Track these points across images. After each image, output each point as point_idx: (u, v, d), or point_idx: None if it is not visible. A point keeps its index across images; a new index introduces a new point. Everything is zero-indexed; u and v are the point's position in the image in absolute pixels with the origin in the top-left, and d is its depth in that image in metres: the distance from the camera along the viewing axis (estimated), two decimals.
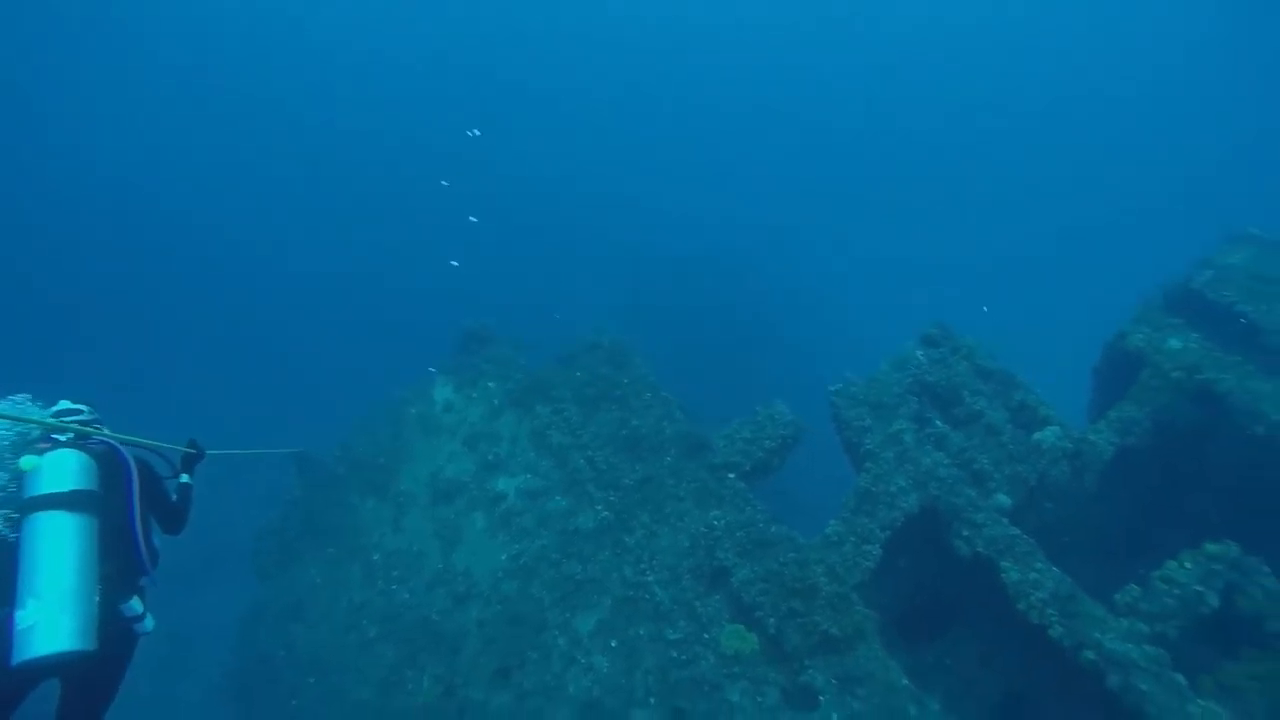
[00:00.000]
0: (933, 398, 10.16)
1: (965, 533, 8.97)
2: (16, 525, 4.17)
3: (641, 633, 9.40)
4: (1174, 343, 9.68)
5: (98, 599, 4.13)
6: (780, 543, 9.39)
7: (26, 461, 4.25)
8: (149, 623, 4.55)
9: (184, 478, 5.78)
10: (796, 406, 11.30)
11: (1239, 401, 9.10)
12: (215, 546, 21.48)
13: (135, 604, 4.42)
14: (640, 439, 10.76)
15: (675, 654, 9.12)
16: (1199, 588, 8.19)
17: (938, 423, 9.83)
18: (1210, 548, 8.45)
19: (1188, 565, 8.38)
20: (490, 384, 12.50)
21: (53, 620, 3.88)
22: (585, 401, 11.45)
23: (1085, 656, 8.09)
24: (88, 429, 4.58)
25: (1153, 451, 10.68)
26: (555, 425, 11.32)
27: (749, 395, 11.67)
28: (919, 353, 10.47)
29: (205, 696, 16.22)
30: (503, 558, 10.85)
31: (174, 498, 5.57)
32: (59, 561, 4.03)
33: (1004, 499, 9.07)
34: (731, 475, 10.16)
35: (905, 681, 8.45)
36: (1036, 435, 9.35)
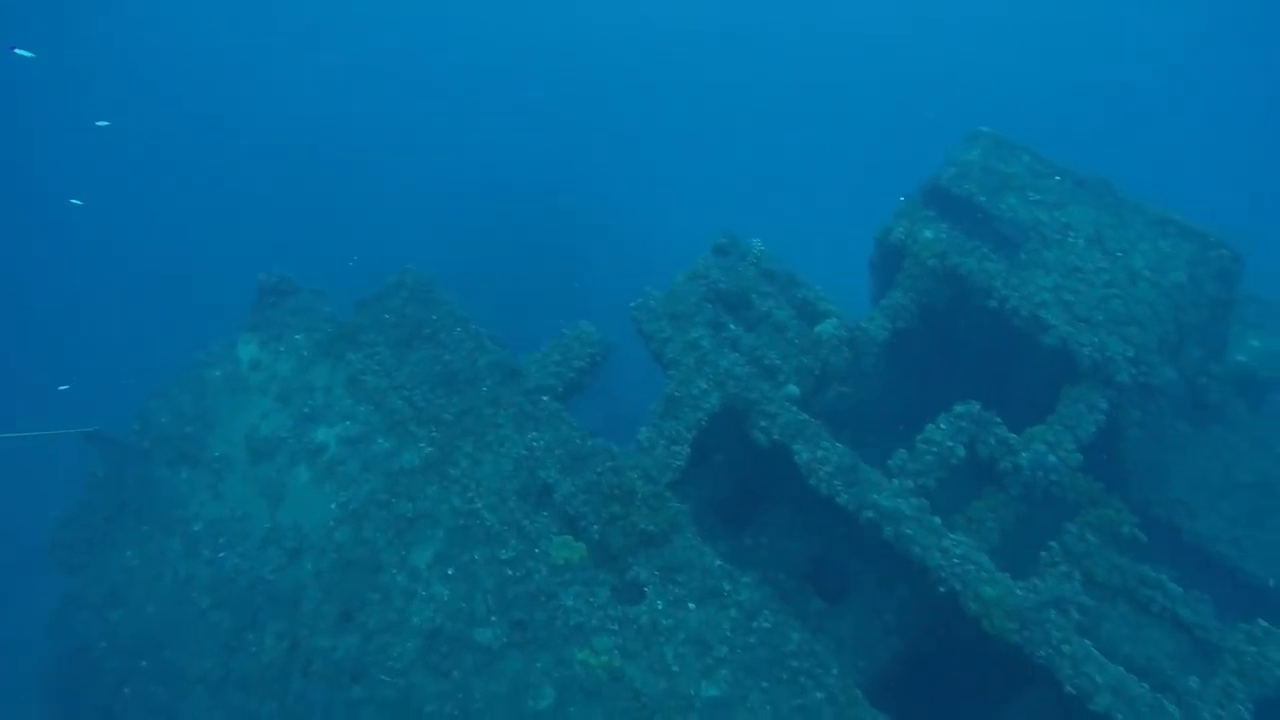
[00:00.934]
0: (725, 303, 10.96)
1: (762, 423, 9.91)
2: None
3: (476, 557, 9.78)
4: (928, 233, 10.92)
5: None
6: (597, 454, 9.99)
7: None
8: None
9: None
10: (614, 323, 11.82)
11: (977, 281, 10.49)
12: (14, 549, 19.68)
13: None
14: (455, 373, 10.91)
15: (510, 572, 9.60)
16: (950, 443, 9.57)
17: (731, 326, 10.66)
18: (958, 408, 9.85)
19: (942, 425, 9.74)
20: (297, 336, 12.11)
21: None
22: (397, 343, 11.40)
23: (866, 516, 9.30)
24: None
25: (920, 331, 12.11)
26: (369, 370, 11.24)
27: (563, 316, 12.01)
28: (710, 262, 11.21)
29: (23, 705, 15.15)
30: (332, 507, 10.82)
31: None
32: None
33: (793, 389, 10.05)
34: (546, 398, 10.58)
35: (719, 563, 9.37)
36: (817, 328, 10.36)
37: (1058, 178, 11.20)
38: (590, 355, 10.94)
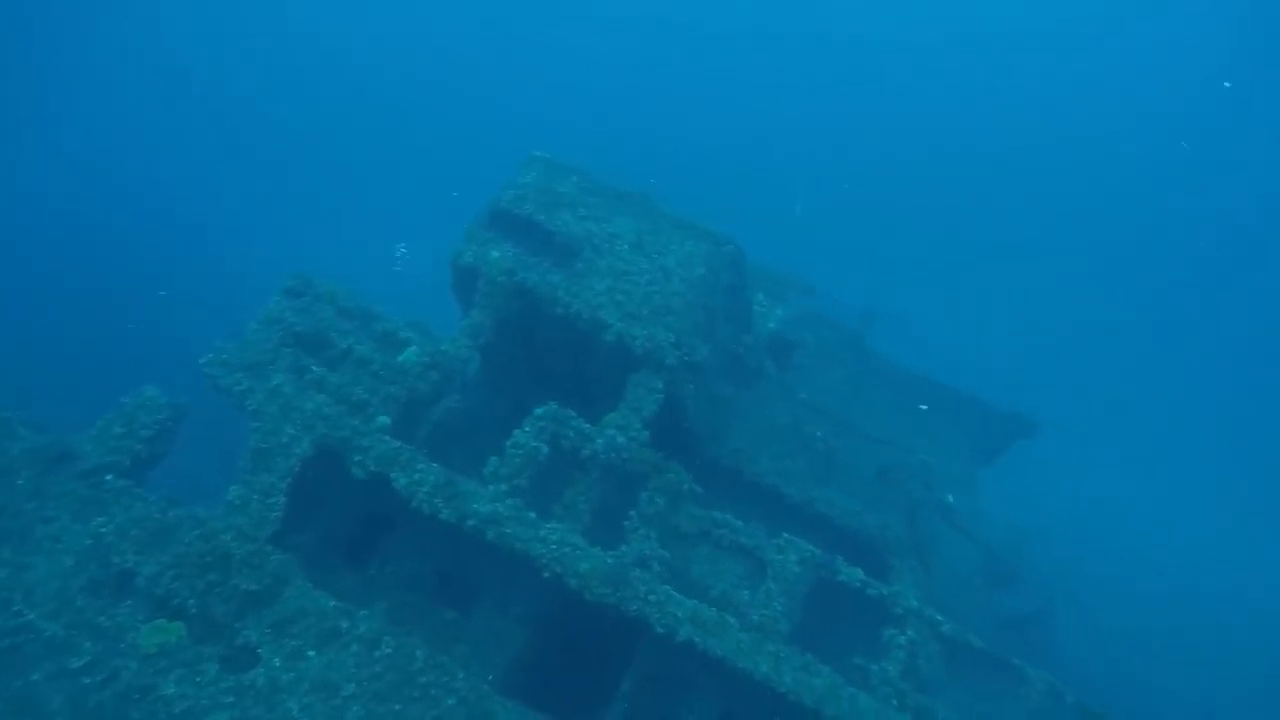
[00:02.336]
0: (305, 346, 10.82)
1: (357, 458, 10.03)
2: None
3: (36, 678, 8.50)
4: (494, 254, 11.84)
5: None
6: (182, 524, 9.31)
7: None
8: None
9: None
10: (185, 382, 10.95)
11: (543, 293, 11.67)
12: None
13: None
14: None
15: (87, 680, 8.55)
16: (534, 443, 10.61)
17: (314, 368, 10.56)
18: (538, 410, 10.93)
19: (526, 429, 10.74)
20: None
21: None
22: None
23: (470, 525, 9.94)
24: None
25: (504, 344, 13.09)
26: None
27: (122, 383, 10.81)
28: (284, 306, 10.96)
29: None
30: None
31: None
32: None
33: (384, 419, 10.30)
34: (110, 476, 9.55)
35: (334, 604, 9.34)
36: (399, 357, 10.71)
37: (602, 195, 12.82)
38: (159, 422, 10.06)
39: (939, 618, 11.45)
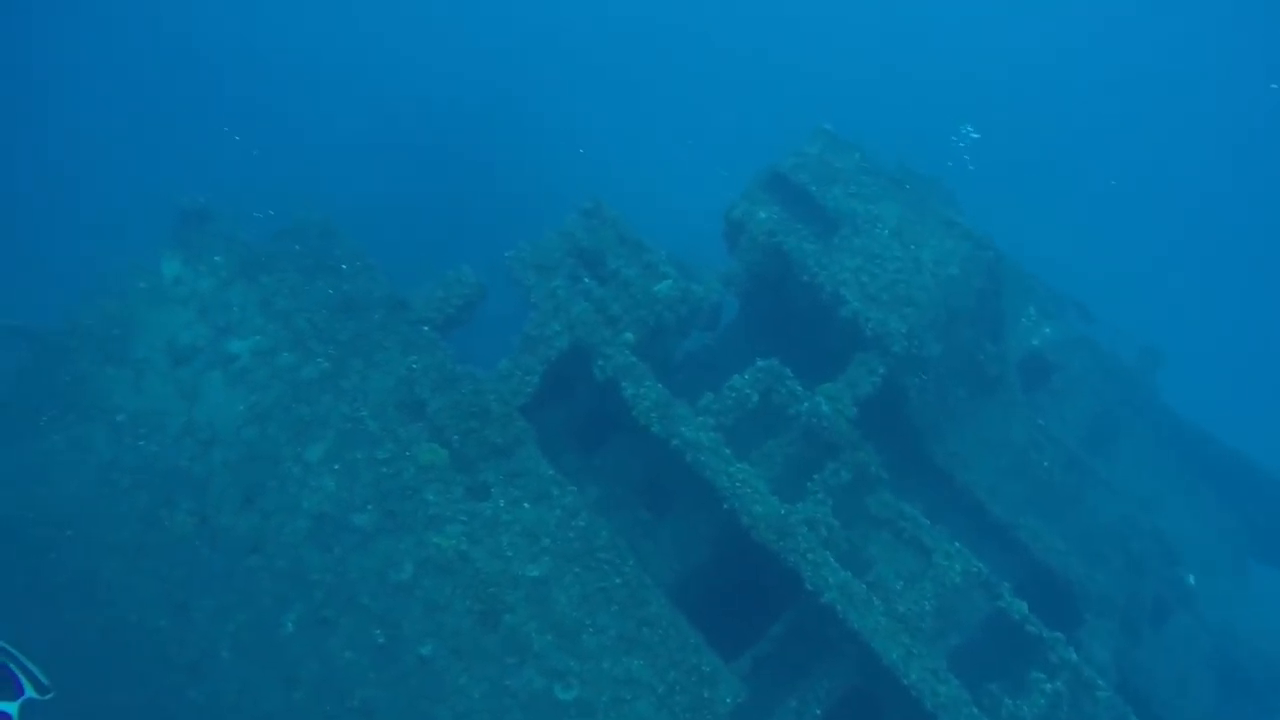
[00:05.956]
0: (584, 259, 12.92)
1: (600, 362, 12.01)
2: None
3: (359, 456, 11.75)
4: (762, 214, 12.96)
5: None
6: (464, 379, 12.01)
7: None
8: None
9: None
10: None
11: (795, 258, 12.61)
12: None
13: None
14: (352, 301, 12.69)
15: (385, 469, 11.62)
16: (748, 390, 11.81)
17: (586, 280, 12.64)
18: (759, 362, 12.07)
19: (745, 376, 11.96)
20: (217, 258, 13.66)
21: None
22: (304, 271, 13.09)
23: (673, 444, 11.54)
24: None
25: (759, 297, 14.26)
26: (279, 292, 12.92)
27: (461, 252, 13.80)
28: (577, 223, 13.14)
29: None
30: (240, 408, 12.58)
31: None
32: None
33: (629, 335, 12.12)
34: (426, 328, 12.49)
35: (551, 472, 11.54)
36: (655, 287, 12.38)
37: (875, 176, 13.24)
38: (466, 296, 12.81)
39: (1099, 681, 10.96)
